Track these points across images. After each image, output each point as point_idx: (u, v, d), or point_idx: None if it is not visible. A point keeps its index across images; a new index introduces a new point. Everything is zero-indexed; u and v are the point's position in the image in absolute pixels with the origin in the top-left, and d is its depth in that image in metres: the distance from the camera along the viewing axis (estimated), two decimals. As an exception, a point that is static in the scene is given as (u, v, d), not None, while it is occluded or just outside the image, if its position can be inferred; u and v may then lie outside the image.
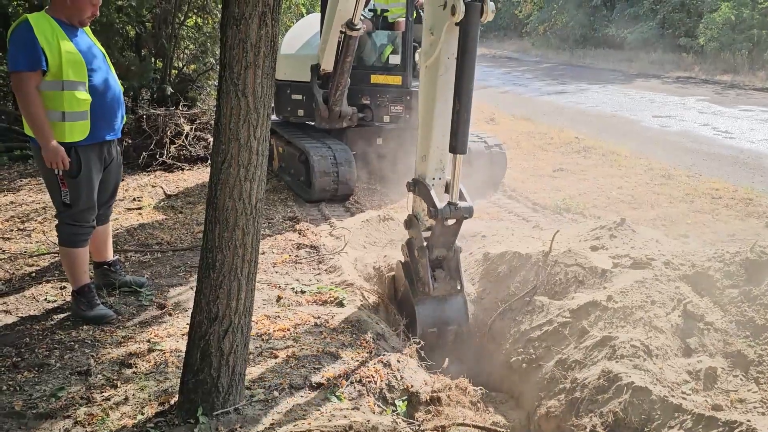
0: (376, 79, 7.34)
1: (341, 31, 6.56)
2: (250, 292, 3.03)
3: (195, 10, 10.92)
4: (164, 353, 3.60)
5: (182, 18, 10.64)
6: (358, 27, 6.50)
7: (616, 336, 3.75)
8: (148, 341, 3.76)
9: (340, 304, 4.26)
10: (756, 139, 10.43)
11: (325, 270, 4.89)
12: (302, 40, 8.02)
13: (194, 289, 4.62)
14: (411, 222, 4.26)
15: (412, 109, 7.45)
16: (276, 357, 3.53)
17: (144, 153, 8.15)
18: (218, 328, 2.94)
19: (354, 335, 3.82)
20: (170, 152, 8.26)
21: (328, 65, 6.95)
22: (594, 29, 31.54)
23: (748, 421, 2.83)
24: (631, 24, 29.10)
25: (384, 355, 3.54)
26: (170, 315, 4.15)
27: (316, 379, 3.27)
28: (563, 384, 3.72)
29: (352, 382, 3.25)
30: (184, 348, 3.68)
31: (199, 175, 8.07)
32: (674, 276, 4.20)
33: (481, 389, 3.69)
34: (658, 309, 3.94)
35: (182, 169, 8.19)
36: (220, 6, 10.75)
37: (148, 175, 7.97)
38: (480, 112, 13.24)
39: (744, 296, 3.90)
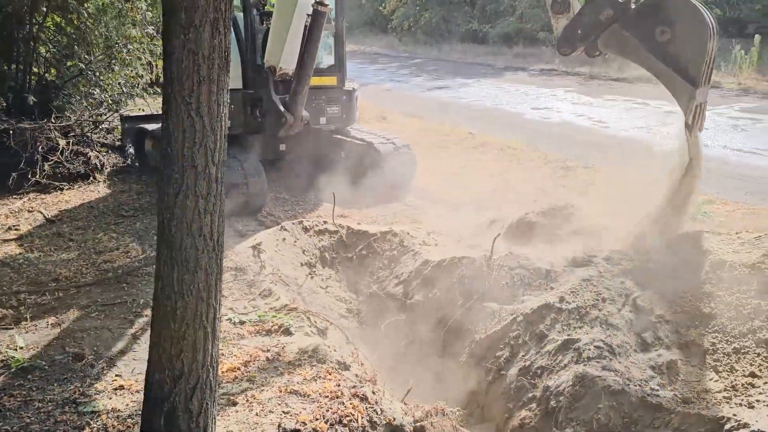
0: (311, 81, 7.00)
1: (308, 14, 6.22)
2: (217, 340, 2.64)
3: (54, 9, 9.77)
4: (100, 416, 3.08)
5: (40, 18, 9.49)
6: (327, 3, 6.25)
7: (578, 338, 3.75)
8: (75, 402, 3.21)
9: (288, 333, 3.92)
10: (627, 127, 11.23)
11: (259, 294, 4.50)
12: None
13: (112, 331, 4.08)
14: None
15: (348, 109, 7.45)
16: (235, 404, 3.15)
17: (13, 173, 7.13)
18: (185, 386, 2.53)
19: (314, 367, 3.50)
20: (44, 171, 7.30)
21: (288, 64, 6.47)
22: (458, 25, 32.65)
23: (735, 415, 2.91)
24: (492, 19, 30.47)
25: (356, 387, 3.27)
26: (92, 366, 3.59)
27: (290, 425, 2.94)
28: (533, 392, 3.67)
29: (332, 424, 2.96)
30: (121, 406, 3.19)
31: (83, 194, 7.22)
32: (617, 271, 4.30)
33: (458, 410, 3.54)
34: (609, 306, 4.00)
35: (61, 189, 7.27)
36: (84, 4, 9.73)
37: (21, 198, 6.99)
38: (368, 110, 13.14)
39: (686, 286, 4.06)
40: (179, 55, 2.41)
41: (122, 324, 4.07)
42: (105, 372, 3.52)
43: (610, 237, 4.76)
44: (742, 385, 3.33)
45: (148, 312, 4.01)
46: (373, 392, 3.22)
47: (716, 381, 3.44)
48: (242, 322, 4.07)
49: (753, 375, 3.36)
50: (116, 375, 3.50)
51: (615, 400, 3.25)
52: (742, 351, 3.53)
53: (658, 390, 3.35)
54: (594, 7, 4.53)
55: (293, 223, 5.57)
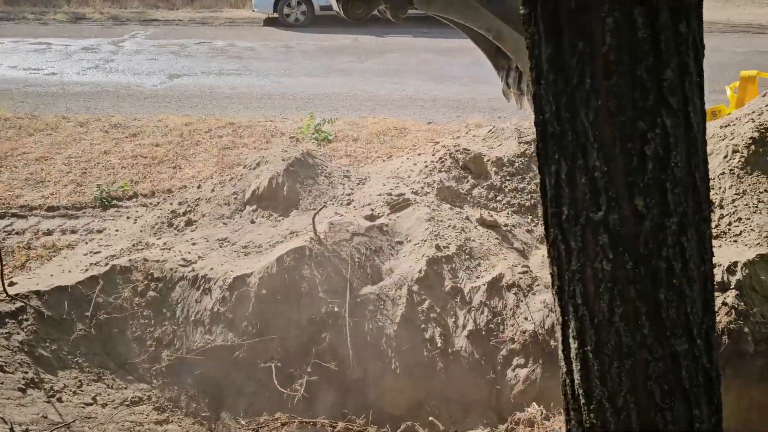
0: None
1: None
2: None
3: None
4: None
5: None
6: None
7: (499, 273, 3.53)
8: None
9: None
10: (82, 70, 9.64)
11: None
12: None
13: None
14: None
15: None
16: None
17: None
18: None
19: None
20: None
21: None
22: None
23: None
24: None
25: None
26: None
27: None
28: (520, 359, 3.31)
29: None
30: None
31: None
32: (435, 200, 4.11)
33: None
34: (471, 233, 3.86)
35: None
36: None
37: None
38: None
39: (491, 191, 4.26)
40: None
41: None
42: None
43: (375, 177, 4.40)
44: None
45: None
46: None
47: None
48: None
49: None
50: None
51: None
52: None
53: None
54: None
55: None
